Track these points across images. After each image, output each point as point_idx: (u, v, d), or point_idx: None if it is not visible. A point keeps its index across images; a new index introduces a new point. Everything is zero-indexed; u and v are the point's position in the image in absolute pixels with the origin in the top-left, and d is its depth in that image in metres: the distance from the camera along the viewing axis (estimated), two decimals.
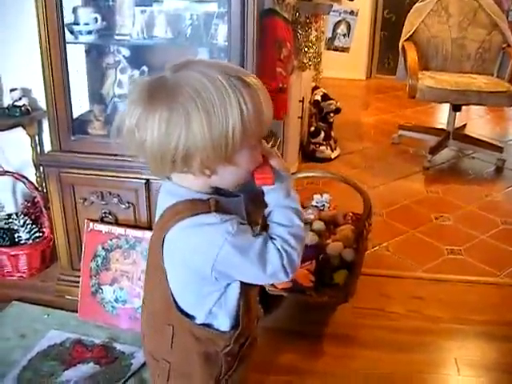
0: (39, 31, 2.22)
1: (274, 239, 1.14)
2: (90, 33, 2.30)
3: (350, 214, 2.77)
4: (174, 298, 1.22)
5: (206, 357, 1.25)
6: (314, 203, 2.81)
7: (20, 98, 2.82)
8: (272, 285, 2.37)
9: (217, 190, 1.18)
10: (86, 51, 2.52)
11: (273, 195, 1.19)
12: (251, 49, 2.09)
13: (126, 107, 1.10)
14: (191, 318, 1.23)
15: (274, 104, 2.37)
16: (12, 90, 2.82)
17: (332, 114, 4.38)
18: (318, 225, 2.64)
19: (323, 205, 2.79)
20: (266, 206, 1.20)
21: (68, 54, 2.30)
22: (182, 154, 1.06)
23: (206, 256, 1.13)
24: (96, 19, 2.30)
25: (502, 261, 3.03)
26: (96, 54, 2.52)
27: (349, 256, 2.47)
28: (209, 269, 1.13)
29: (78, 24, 2.30)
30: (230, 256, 1.11)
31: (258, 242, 1.12)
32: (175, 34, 2.24)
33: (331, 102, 4.36)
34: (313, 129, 4.34)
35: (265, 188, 1.18)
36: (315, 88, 4.46)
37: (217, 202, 1.14)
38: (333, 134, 4.46)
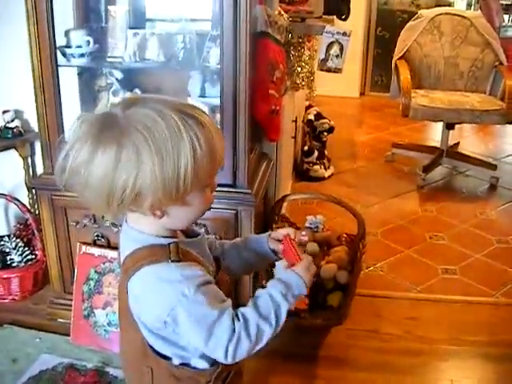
0: (31, 54, 2.22)
1: (238, 320, 1.10)
2: (82, 56, 2.29)
3: (344, 235, 2.76)
4: (147, 341, 1.19)
5: None
6: (307, 224, 2.80)
7: (12, 120, 2.81)
8: None
9: (176, 231, 1.17)
10: (78, 74, 2.51)
11: (296, 280, 1.18)
12: (244, 71, 2.09)
13: (69, 144, 1.05)
14: (168, 358, 1.20)
15: (267, 126, 2.42)
16: (4, 112, 2.81)
17: (325, 133, 4.39)
18: (312, 247, 2.63)
19: (317, 226, 2.78)
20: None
21: (60, 76, 2.30)
22: (131, 194, 1.03)
23: (158, 313, 1.10)
24: (88, 42, 2.29)
25: (497, 280, 3.02)
26: (88, 77, 2.52)
27: (343, 278, 2.46)
28: (162, 326, 1.12)
29: (70, 47, 2.30)
30: (180, 318, 1.08)
31: (213, 314, 1.08)
32: (167, 56, 2.24)
33: (324, 121, 4.37)
34: (306, 148, 4.35)
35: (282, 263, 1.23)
36: (308, 107, 4.48)
37: (177, 247, 1.12)
38: (326, 152, 4.47)
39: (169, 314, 1.08)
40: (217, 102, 2.19)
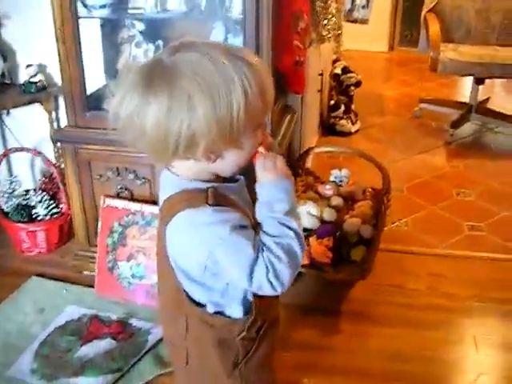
0: (52, 5, 2.19)
1: (262, 250, 1.08)
2: (103, 7, 2.26)
3: (369, 190, 2.73)
4: (183, 289, 1.19)
5: (222, 343, 1.23)
6: (332, 178, 2.77)
7: (36, 74, 2.80)
8: None
9: (217, 176, 1.14)
10: (100, 25, 2.49)
11: (267, 190, 1.12)
12: (266, 21, 2.04)
13: (120, 93, 1.04)
14: (203, 306, 1.20)
15: (292, 78, 2.38)
16: (28, 66, 2.80)
17: (352, 88, 4.31)
18: (337, 201, 2.61)
19: (342, 180, 2.76)
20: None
21: (83, 28, 2.27)
22: (186, 139, 1.02)
23: (197, 258, 1.11)
24: None
25: None
26: (110, 29, 2.49)
27: (367, 232, 2.44)
28: (201, 271, 1.13)
29: None
30: (221, 260, 1.09)
31: (250, 254, 1.07)
32: (189, 7, 2.19)
33: (352, 75, 4.28)
34: (333, 102, 4.28)
35: (261, 177, 1.13)
36: (336, 61, 4.39)
37: (215, 190, 1.10)
38: (353, 107, 4.40)
39: (208, 257, 1.08)
40: None
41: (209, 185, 1.11)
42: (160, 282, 1.30)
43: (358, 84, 4.30)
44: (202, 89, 0.99)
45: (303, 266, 2.33)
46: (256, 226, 1.12)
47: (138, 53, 2.46)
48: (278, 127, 2.38)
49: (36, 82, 2.78)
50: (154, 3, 2.21)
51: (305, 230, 2.47)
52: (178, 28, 2.41)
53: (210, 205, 1.08)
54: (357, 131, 4.36)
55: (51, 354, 2.20)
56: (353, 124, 4.32)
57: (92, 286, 2.53)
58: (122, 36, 2.48)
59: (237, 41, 2.27)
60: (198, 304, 1.20)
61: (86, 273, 2.64)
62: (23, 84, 2.81)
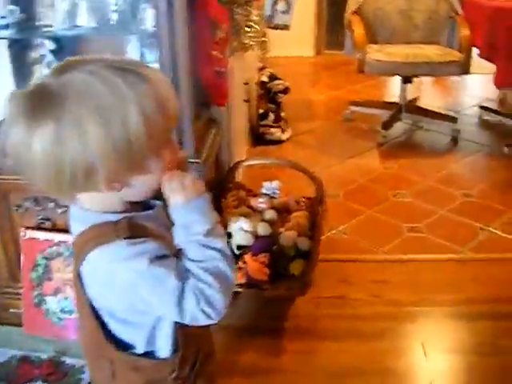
0: None
1: (188, 277, 0.99)
2: (6, 27, 2.10)
3: (303, 200, 2.65)
4: (108, 331, 1.09)
5: None
6: (264, 191, 2.67)
7: None
8: None
9: (131, 205, 1.04)
10: (8, 46, 2.32)
11: (180, 213, 1.02)
12: (182, 32, 1.92)
13: (4, 125, 0.93)
14: (130, 347, 1.10)
15: (213, 90, 2.26)
16: None
17: (280, 95, 4.23)
18: (270, 214, 2.51)
19: (274, 192, 2.66)
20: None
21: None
22: (82, 170, 0.91)
23: (120, 297, 1.01)
24: (12, 11, 2.10)
25: (464, 235, 2.95)
26: (19, 49, 2.33)
27: (304, 245, 2.35)
28: (127, 310, 1.03)
29: None
30: (145, 296, 0.99)
31: (173, 284, 0.97)
32: (100, 22, 2.06)
33: (279, 81, 4.21)
34: (261, 111, 4.19)
35: (171, 201, 1.02)
36: (262, 68, 4.31)
37: (129, 221, 1.01)
38: (283, 114, 4.32)
39: (130, 295, 1.00)
40: (157, 67, 2.02)
41: (121, 216, 1.01)
42: (80, 326, 1.19)
43: (285, 91, 4.22)
44: (92, 113, 0.89)
45: (240, 285, 2.23)
46: (178, 253, 1.03)
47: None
48: (202, 143, 2.26)
49: None
50: (61, 20, 2.08)
51: (240, 247, 2.38)
52: (90, 44, 2.28)
53: (124, 238, 0.98)
54: (288, 139, 4.27)
55: None
56: (283, 132, 4.24)
57: (20, 325, 2.35)
58: (33, 56, 2.32)
59: (153, 55, 2.15)
60: (125, 346, 1.10)
61: (12, 310, 2.45)
62: None
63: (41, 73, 2.33)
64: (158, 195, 1.05)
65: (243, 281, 2.23)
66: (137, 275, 0.97)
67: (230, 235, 2.41)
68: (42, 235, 2.30)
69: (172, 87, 1.02)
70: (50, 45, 2.27)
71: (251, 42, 3.11)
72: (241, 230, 2.38)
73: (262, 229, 2.40)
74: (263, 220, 2.49)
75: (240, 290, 2.23)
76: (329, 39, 6.72)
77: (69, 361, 2.18)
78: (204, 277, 0.98)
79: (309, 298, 2.31)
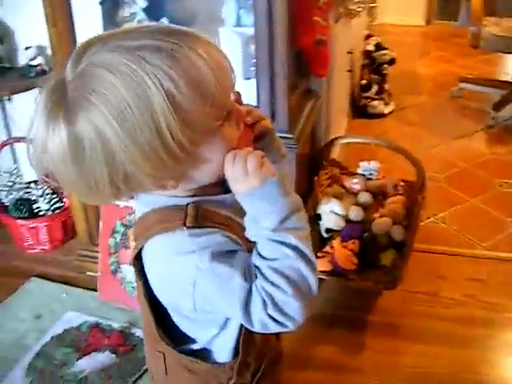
0: None
1: (256, 277, 0.84)
2: None
3: (401, 184, 2.44)
4: (159, 324, 0.98)
5: None
6: (360, 171, 2.48)
7: (35, 57, 2.56)
8: None
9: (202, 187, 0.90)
10: (99, 3, 2.23)
11: (246, 204, 0.86)
12: None
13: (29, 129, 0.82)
14: (184, 343, 0.98)
15: (313, 60, 2.08)
16: (27, 48, 2.57)
17: (386, 66, 3.98)
18: (364, 197, 2.33)
19: (371, 173, 2.47)
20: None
21: (81, 5, 2.04)
22: (117, 181, 0.80)
23: (182, 292, 0.87)
24: None
25: None
26: (110, 6, 2.22)
27: (398, 234, 2.17)
28: (190, 305, 0.88)
29: None
30: (208, 295, 0.86)
31: (238, 285, 0.83)
32: None
33: (385, 51, 3.95)
34: (364, 82, 3.95)
35: (234, 190, 0.87)
36: (368, 36, 4.07)
37: (197, 207, 0.87)
38: (387, 87, 4.07)
39: (193, 292, 0.86)
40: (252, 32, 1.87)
41: (189, 200, 0.88)
42: (141, 309, 1.06)
43: (391, 62, 3.96)
44: (111, 117, 0.75)
45: (324, 272, 2.07)
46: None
47: None
48: (297, 116, 2.10)
49: (35, 66, 2.55)
50: None
51: (329, 230, 2.22)
52: (185, 2, 2.14)
53: (188, 227, 0.86)
54: (390, 113, 4.03)
55: (45, 369, 2.01)
56: (386, 105, 3.99)
57: (95, 290, 2.31)
58: (123, 14, 2.21)
59: (251, 18, 1.99)
60: (184, 339, 0.98)
61: (89, 273, 2.42)
62: (22, 68, 2.58)
63: None
64: None
65: (329, 268, 2.08)
66: (197, 272, 0.84)
67: (319, 217, 2.25)
68: (122, 202, 2.22)
69: (219, 53, 0.83)
70: (141, 2, 2.15)
71: (358, 9, 2.90)
72: (331, 212, 2.23)
73: (354, 213, 2.24)
74: (356, 203, 2.31)
75: (324, 277, 2.09)
76: (441, 8, 6.29)
77: (139, 333, 2.10)
78: (273, 278, 0.83)
79: (398, 291, 2.12)
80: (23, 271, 2.49)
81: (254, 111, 0.94)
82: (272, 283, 0.82)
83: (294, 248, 0.83)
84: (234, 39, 2.02)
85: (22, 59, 2.64)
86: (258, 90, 1.93)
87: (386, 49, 3.96)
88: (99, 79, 0.76)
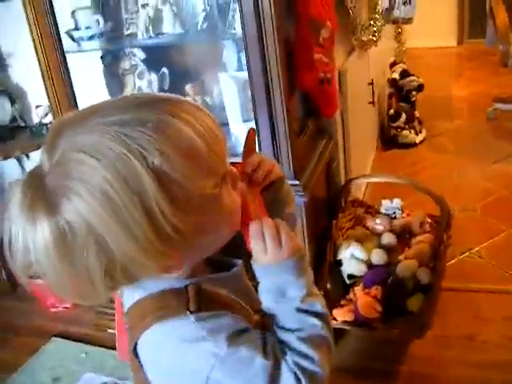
0: (33, 43, 1.93)
1: (284, 352, 0.78)
2: (91, 38, 1.97)
3: (428, 220, 2.29)
4: None
5: None
6: (383, 211, 2.35)
7: (46, 115, 2.55)
8: (331, 317, 1.97)
9: (199, 263, 0.83)
10: (101, 57, 2.20)
11: (272, 276, 0.81)
12: (271, 34, 1.66)
13: (5, 226, 0.73)
14: None
15: (319, 98, 1.98)
16: (37, 107, 2.57)
17: (414, 92, 3.84)
18: (388, 238, 2.20)
19: (394, 212, 2.32)
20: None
21: (83, 61, 2.02)
22: (113, 272, 0.71)
23: (196, 383, 0.78)
24: (98, 21, 1.96)
25: None
26: (111, 60, 2.20)
27: (425, 277, 2.02)
28: None
29: (78, 29, 1.98)
30: (230, 380, 0.76)
31: (261, 364, 0.75)
32: (184, 27, 1.86)
33: (412, 78, 3.82)
34: (392, 111, 3.82)
35: (258, 260, 0.81)
36: (393, 64, 3.95)
37: (197, 289, 0.80)
38: (416, 114, 3.93)
39: (207, 382, 0.76)
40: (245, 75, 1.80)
41: (187, 281, 0.81)
42: None
43: (420, 88, 3.82)
44: (95, 203, 0.68)
45: (348, 322, 1.94)
46: (264, 320, 0.83)
47: (142, 84, 2.16)
48: (305, 160, 2.00)
49: (46, 124, 2.54)
50: (144, 28, 1.90)
51: (351, 276, 2.09)
52: (184, 51, 2.10)
53: (191, 312, 0.78)
54: (423, 141, 3.88)
55: None
56: (417, 134, 3.84)
57: (115, 348, 2.23)
58: (124, 67, 2.18)
59: None
60: None
61: (110, 331, 2.35)
62: (34, 126, 2.57)
63: (133, 84, 2.18)
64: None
65: (352, 317, 1.95)
66: (214, 359, 0.75)
67: (340, 263, 2.13)
68: None
69: (210, 116, 0.76)
70: (140, 54, 2.11)
71: (373, 38, 2.79)
72: (352, 257, 2.10)
73: (377, 257, 2.11)
74: (380, 245, 2.18)
75: (347, 327, 1.95)
76: (472, 26, 6.11)
77: None
78: (305, 350, 0.78)
79: (430, 336, 1.97)
80: (45, 331, 2.48)
81: (262, 163, 0.89)
82: (304, 356, 0.78)
83: (320, 315, 0.81)
84: (231, 84, 1.95)
85: (35, 118, 2.64)
86: (258, 135, 1.84)
87: (412, 75, 3.82)
88: (79, 164, 0.68)
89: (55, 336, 2.45)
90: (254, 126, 1.84)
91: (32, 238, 0.70)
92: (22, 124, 2.67)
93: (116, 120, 0.69)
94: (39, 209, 0.69)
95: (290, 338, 0.79)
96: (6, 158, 2.47)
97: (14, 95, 2.63)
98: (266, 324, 0.83)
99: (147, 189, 0.67)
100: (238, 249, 0.85)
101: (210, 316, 0.78)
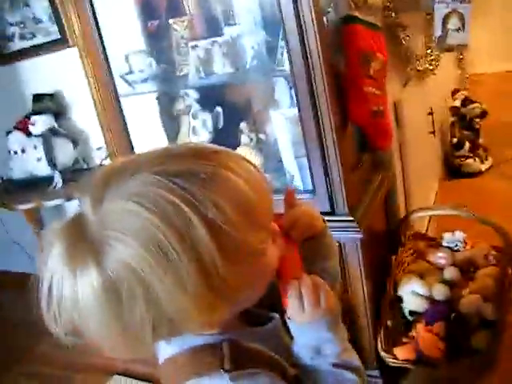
0: (89, 88, 1.98)
1: None
2: (145, 80, 2.01)
3: (493, 253, 2.19)
4: None
5: None
6: (444, 244, 2.27)
7: (106, 157, 2.62)
8: (392, 355, 1.91)
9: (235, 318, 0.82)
10: (156, 99, 2.24)
11: (308, 333, 0.81)
12: (319, 69, 1.66)
13: (42, 277, 0.70)
14: None
15: (372, 132, 1.95)
16: (98, 149, 2.63)
17: (477, 120, 3.74)
18: (450, 272, 2.12)
19: (457, 245, 2.24)
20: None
21: (139, 103, 2.07)
22: (161, 327, 0.69)
23: None
24: (151, 64, 2.00)
25: None
26: (166, 101, 2.23)
27: (490, 313, 1.93)
28: None
29: (132, 73, 2.02)
30: None
31: None
32: (234, 66, 1.88)
33: (474, 105, 3.72)
34: (455, 140, 3.73)
35: (296, 319, 0.81)
36: (455, 92, 3.86)
37: (232, 346, 0.78)
38: (481, 142, 3.82)
39: None
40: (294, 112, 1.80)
41: (222, 338, 0.79)
42: None
43: (483, 115, 3.72)
44: (147, 255, 0.65)
45: (409, 361, 1.87)
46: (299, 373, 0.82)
47: (196, 124, 2.18)
48: (361, 195, 1.96)
49: None
50: (195, 69, 1.93)
51: (412, 313, 2.03)
52: (234, 91, 2.11)
53: (226, 370, 0.76)
54: (488, 169, 3.75)
55: None
56: (482, 162, 3.73)
57: None
58: (178, 107, 2.21)
59: None
60: None
61: None
62: (95, 168, 2.64)
63: (188, 124, 2.21)
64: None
65: (413, 356, 1.88)
66: None
67: (400, 299, 2.07)
68: None
69: (256, 167, 0.77)
70: (193, 94, 2.13)
71: (430, 67, 2.74)
72: (413, 293, 2.04)
73: (439, 292, 2.04)
74: (442, 280, 2.10)
75: (409, 366, 1.88)
76: None
77: None
78: None
79: (495, 376, 1.87)
80: (106, 368, 2.51)
81: (302, 217, 0.88)
82: None
83: (355, 369, 0.82)
84: (283, 120, 1.95)
85: (97, 159, 2.70)
86: (310, 172, 1.83)
87: (475, 102, 3.72)
88: (126, 213, 0.67)
89: (117, 374, 2.46)
90: (307, 163, 1.84)
91: (76, 289, 0.68)
92: (85, 166, 2.73)
93: (167, 170, 0.68)
94: (84, 258, 0.67)
95: None
96: (68, 199, 2.52)
97: (77, 138, 2.70)
98: (301, 379, 0.81)
99: (200, 239, 0.66)
100: (274, 300, 0.84)
101: (245, 375, 0.76)
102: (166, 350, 0.82)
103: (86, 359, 2.57)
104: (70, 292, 0.68)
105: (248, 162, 0.76)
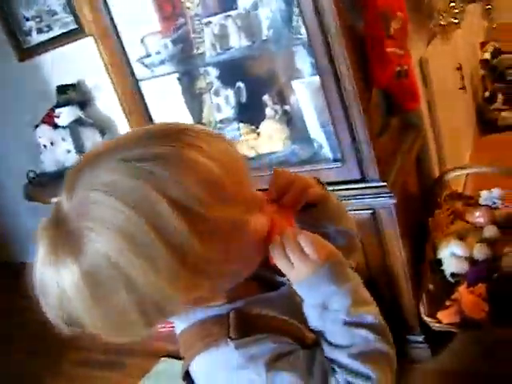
0: (109, 76, 1.98)
1: (334, 371, 0.74)
2: (162, 62, 1.99)
3: None
4: None
5: None
6: (482, 202, 2.20)
7: None
8: (436, 319, 1.87)
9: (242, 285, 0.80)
10: (177, 79, 2.22)
11: (308, 291, 0.77)
12: (335, 32, 1.61)
13: (34, 270, 0.73)
14: None
15: (399, 93, 1.90)
16: None
17: (510, 71, 3.62)
18: (490, 231, 2.05)
19: (494, 202, 2.18)
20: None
21: (161, 85, 2.07)
22: (148, 310, 0.70)
23: None
24: (167, 45, 1.97)
25: None
26: (187, 80, 2.20)
27: None
28: None
29: (149, 55, 2.00)
30: None
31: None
32: (250, 39, 1.84)
33: (506, 56, 3.61)
34: (487, 94, 3.62)
35: (290, 277, 0.79)
36: (484, 44, 3.74)
37: (239, 315, 0.78)
38: None
39: None
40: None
41: (230, 307, 0.80)
42: None
43: None
44: (120, 241, 0.67)
45: (453, 324, 1.84)
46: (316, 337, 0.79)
47: (219, 101, 2.15)
48: (391, 158, 1.91)
49: None
50: (211, 45, 1.90)
51: (454, 275, 1.98)
52: (254, 64, 2.07)
53: (232, 338, 0.77)
54: None
55: None
56: None
57: None
58: (200, 86, 2.18)
59: None
60: None
61: None
62: None
63: (210, 102, 2.18)
64: None
65: (457, 319, 1.84)
66: None
67: (440, 262, 2.02)
68: None
69: (227, 141, 0.77)
70: (213, 71, 2.10)
71: (455, 20, 2.65)
72: (452, 255, 1.99)
73: (479, 252, 1.97)
74: (482, 239, 2.04)
75: (453, 330, 1.85)
76: None
77: None
78: (357, 367, 0.73)
79: None
80: (155, 351, 2.52)
81: (296, 182, 0.85)
82: (357, 374, 0.73)
83: (372, 326, 0.76)
84: (305, 90, 1.90)
85: None
86: (337, 140, 1.79)
87: (505, 53, 3.61)
88: (96, 204, 0.68)
89: (165, 356, 2.48)
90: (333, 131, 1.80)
91: (61, 283, 0.70)
92: None
93: (132, 155, 0.68)
94: (63, 253, 0.69)
95: (341, 356, 0.75)
96: None
97: (103, 126, 2.70)
98: (319, 342, 0.78)
99: (169, 221, 0.66)
100: None
101: (251, 342, 0.76)
102: (179, 326, 0.84)
103: (135, 344, 2.60)
104: (56, 287, 0.70)
105: (214, 135, 0.75)
